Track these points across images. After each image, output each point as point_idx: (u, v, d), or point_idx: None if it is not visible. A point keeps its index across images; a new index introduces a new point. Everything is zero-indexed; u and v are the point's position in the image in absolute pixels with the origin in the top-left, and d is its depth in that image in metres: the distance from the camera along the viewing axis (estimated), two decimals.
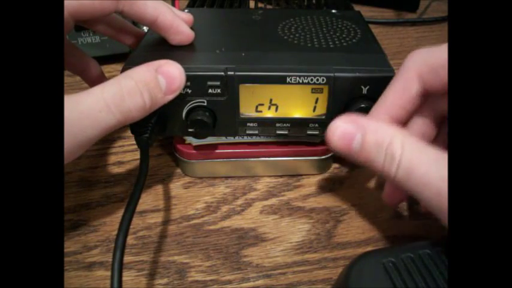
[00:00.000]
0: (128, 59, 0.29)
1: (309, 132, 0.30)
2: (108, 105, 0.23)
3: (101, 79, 0.35)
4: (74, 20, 0.26)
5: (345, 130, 0.23)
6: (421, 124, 0.27)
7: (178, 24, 0.29)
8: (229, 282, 0.27)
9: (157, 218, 0.31)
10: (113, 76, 0.24)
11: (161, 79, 0.25)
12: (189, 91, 0.27)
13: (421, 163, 0.20)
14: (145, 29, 0.34)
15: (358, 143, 0.22)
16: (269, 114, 0.29)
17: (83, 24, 0.32)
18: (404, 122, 0.27)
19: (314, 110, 0.29)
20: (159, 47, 0.30)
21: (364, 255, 0.23)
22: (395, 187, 0.28)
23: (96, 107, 0.22)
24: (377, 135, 0.22)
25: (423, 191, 0.20)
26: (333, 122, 0.23)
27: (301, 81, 0.28)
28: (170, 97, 0.26)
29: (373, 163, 0.22)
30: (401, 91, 0.25)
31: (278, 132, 0.30)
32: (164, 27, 0.29)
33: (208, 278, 0.27)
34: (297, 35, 0.33)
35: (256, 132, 0.30)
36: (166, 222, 0.30)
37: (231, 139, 0.32)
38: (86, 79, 0.35)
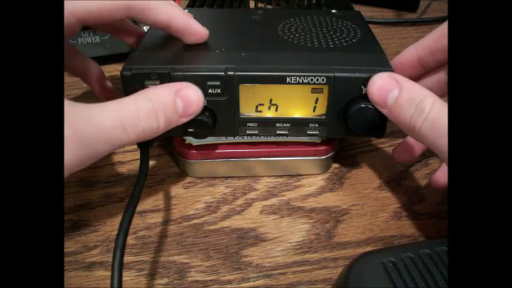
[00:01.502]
0: (128, 59, 0.29)
1: (309, 132, 0.30)
2: (123, 125, 0.23)
3: (101, 81, 0.35)
4: (80, 25, 0.26)
5: (384, 84, 0.26)
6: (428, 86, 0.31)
7: (192, 25, 0.29)
8: (229, 282, 0.27)
9: (157, 218, 0.31)
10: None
11: (179, 102, 0.25)
12: None
13: (446, 117, 0.23)
14: (145, 28, 0.34)
15: (393, 97, 0.25)
16: (269, 114, 0.29)
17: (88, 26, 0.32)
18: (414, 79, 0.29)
19: (314, 110, 0.29)
20: (160, 47, 0.30)
21: (364, 255, 0.23)
22: (408, 146, 0.33)
23: (111, 123, 0.22)
24: (412, 92, 0.25)
25: (444, 142, 0.23)
26: (375, 74, 0.27)
27: (301, 81, 0.28)
28: (185, 120, 0.26)
29: (402, 116, 0.25)
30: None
31: (278, 132, 0.30)
32: (178, 30, 0.29)
33: (208, 278, 0.27)
34: (297, 35, 0.33)
35: (256, 132, 0.30)
36: (166, 222, 0.30)
37: (231, 139, 0.32)
38: (87, 81, 0.34)
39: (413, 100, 0.25)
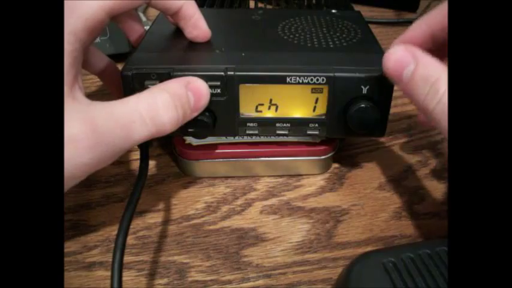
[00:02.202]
0: (128, 59, 0.29)
1: (309, 132, 0.30)
2: (143, 117, 0.23)
3: (117, 80, 0.35)
4: (109, 18, 0.26)
5: (400, 57, 0.24)
6: None
7: (199, 18, 0.30)
8: (229, 282, 0.27)
9: (157, 218, 0.31)
10: None
11: (190, 95, 0.25)
12: None
13: None
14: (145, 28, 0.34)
15: (409, 72, 0.24)
16: (269, 114, 0.29)
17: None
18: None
19: (314, 110, 0.29)
20: (160, 47, 0.30)
21: (364, 255, 0.23)
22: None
23: (130, 117, 0.22)
24: (428, 69, 0.23)
25: None
26: (391, 48, 0.25)
27: (301, 81, 0.28)
28: (195, 114, 0.26)
29: (416, 94, 0.24)
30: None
31: (278, 132, 0.30)
32: (185, 17, 0.29)
33: (208, 278, 0.27)
34: (297, 35, 0.33)
35: (256, 132, 0.30)
36: (166, 222, 0.30)
37: (231, 139, 0.32)
38: (103, 80, 0.34)
39: (428, 78, 0.23)
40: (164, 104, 0.23)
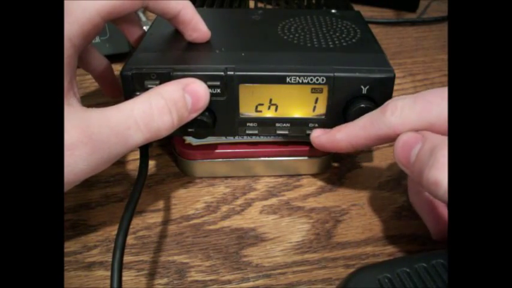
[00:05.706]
0: (128, 60, 0.29)
1: (308, 132, 0.30)
2: (138, 123, 0.23)
3: (111, 79, 0.35)
4: (105, 22, 0.26)
5: (406, 139, 0.23)
6: None
7: (198, 21, 0.30)
8: (229, 282, 0.27)
9: (157, 218, 0.31)
10: None
11: (188, 98, 0.26)
12: None
13: None
14: (144, 28, 0.34)
15: (416, 151, 0.22)
16: (269, 114, 0.29)
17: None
18: None
19: (314, 109, 0.29)
20: (160, 47, 0.30)
21: (359, 272, 0.22)
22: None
23: (125, 124, 0.23)
24: (433, 141, 0.22)
25: None
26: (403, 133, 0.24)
27: (301, 81, 0.28)
28: (193, 115, 0.26)
29: (421, 168, 0.21)
30: None
31: (278, 132, 0.30)
32: (184, 21, 0.29)
33: (208, 278, 0.27)
34: (296, 35, 0.33)
35: (256, 132, 0.30)
36: (166, 222, 0.30)
37: (231, 139, 0.32)
38: (97, 78, 0.34)
39: (433, 148, 0.21)
40: (159, 110, 0.24)
